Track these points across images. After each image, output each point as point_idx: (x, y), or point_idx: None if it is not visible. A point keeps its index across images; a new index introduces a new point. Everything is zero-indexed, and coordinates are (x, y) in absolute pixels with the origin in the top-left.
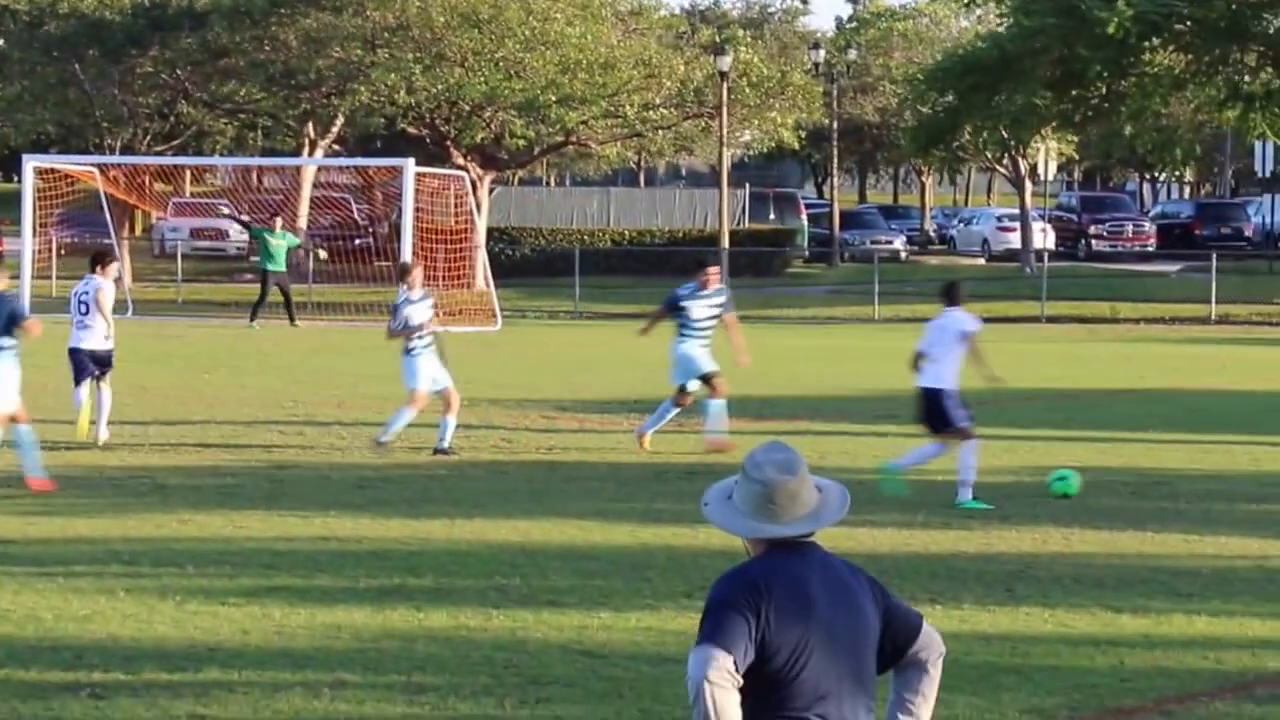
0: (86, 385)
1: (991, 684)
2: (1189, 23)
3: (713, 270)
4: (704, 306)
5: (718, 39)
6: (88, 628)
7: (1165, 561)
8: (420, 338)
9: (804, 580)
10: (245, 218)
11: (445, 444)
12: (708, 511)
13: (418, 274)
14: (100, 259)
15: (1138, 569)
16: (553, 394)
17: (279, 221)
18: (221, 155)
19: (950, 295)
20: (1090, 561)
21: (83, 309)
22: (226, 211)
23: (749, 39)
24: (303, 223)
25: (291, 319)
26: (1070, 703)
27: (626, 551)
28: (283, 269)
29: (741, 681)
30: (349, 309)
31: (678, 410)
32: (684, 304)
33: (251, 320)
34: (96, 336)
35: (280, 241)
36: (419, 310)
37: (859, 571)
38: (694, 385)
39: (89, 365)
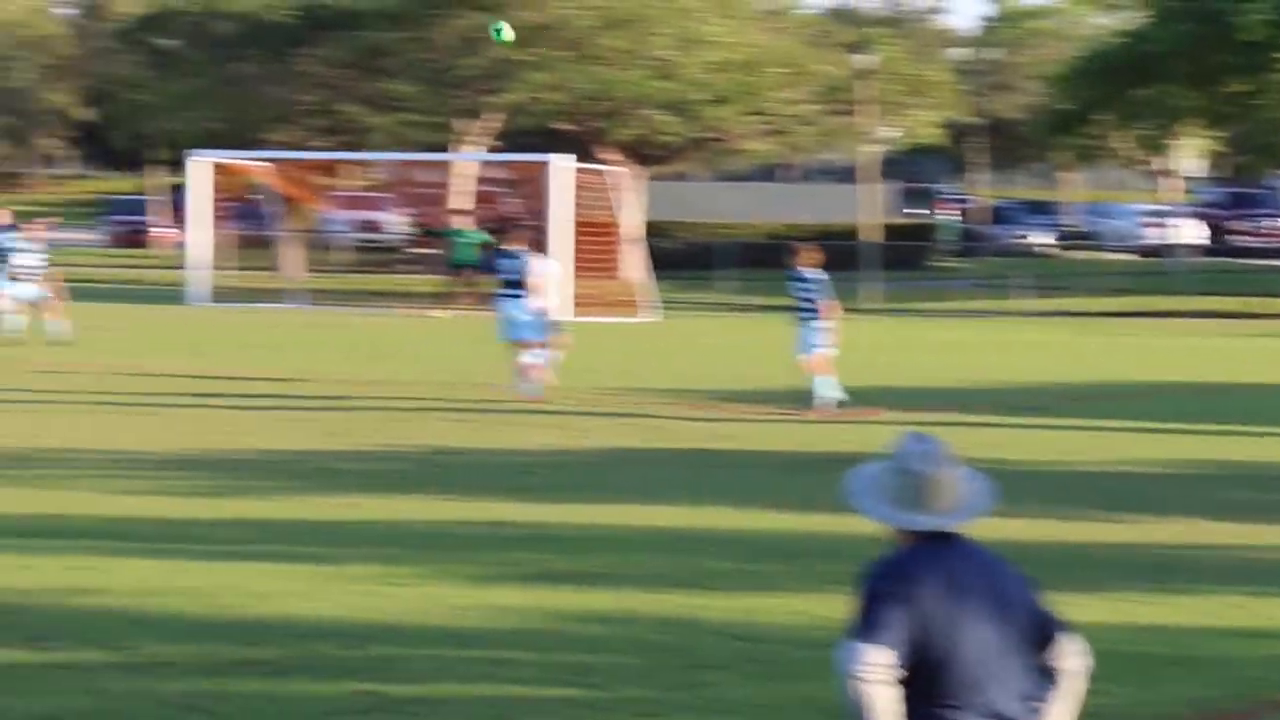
0: None
1: (1152, 675)
2: None
3: (804, 253)
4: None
5: (858, 38)
6: (264, 605)
7: None
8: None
9: (955, 571)
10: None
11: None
12: (855, 499)
13: (806, 256)
14: None
15: None
16: (706, 383)
17: (465, 221)
18: (379, 151)
19: None
20: (1238, 554)
21: None
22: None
23: (888, 37)
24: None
25: (442, 309)
26: (1231, 694)
27: (784, 537)
28: (473, 261)
29: (898, 674)
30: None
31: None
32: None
33: (440, 311)
34: None
35: (469, 240)
36: (821, 287)
37: (1007, 562)
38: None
39: None
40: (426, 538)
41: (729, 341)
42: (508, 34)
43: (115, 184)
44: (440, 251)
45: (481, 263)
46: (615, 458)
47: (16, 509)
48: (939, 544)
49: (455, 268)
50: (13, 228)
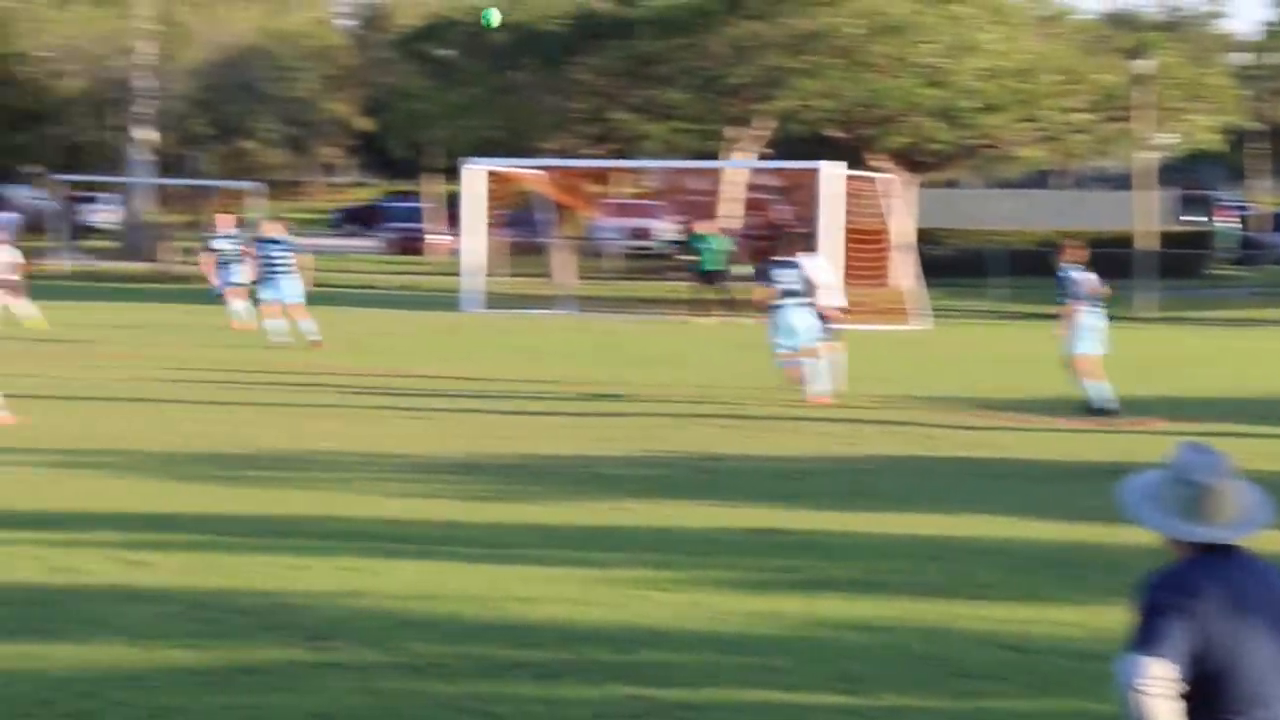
0: None
1: None
2: None
3: (1069, 250)
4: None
5: (1135, 43)
6: (533, 608)
7: None
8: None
9: (1235, 584)
10: (680, 227)
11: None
12: (1133, 510)
13: (1071, 253)
14: None
15: None
16: (976, 391)
17: (711, 226)
18: (651, 158)
19: None
20: None
21: None
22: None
23: (1166, 42)
24: (730, 224)
25: (702, 316)
26: None
27: (1053, 547)
28: (720, 269)
29: (1180, 688)
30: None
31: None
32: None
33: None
34: None
35: (715, 245)
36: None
37: None
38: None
39: None
40: (694, 543)
41: (999, 349)
42: (495, 19)
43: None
44: (690, 259)
45: (728, 270)
46: (884, 465)
47: (292, 511)
48: (1218, 556)
49: (704, 275)
50: (277, 241)
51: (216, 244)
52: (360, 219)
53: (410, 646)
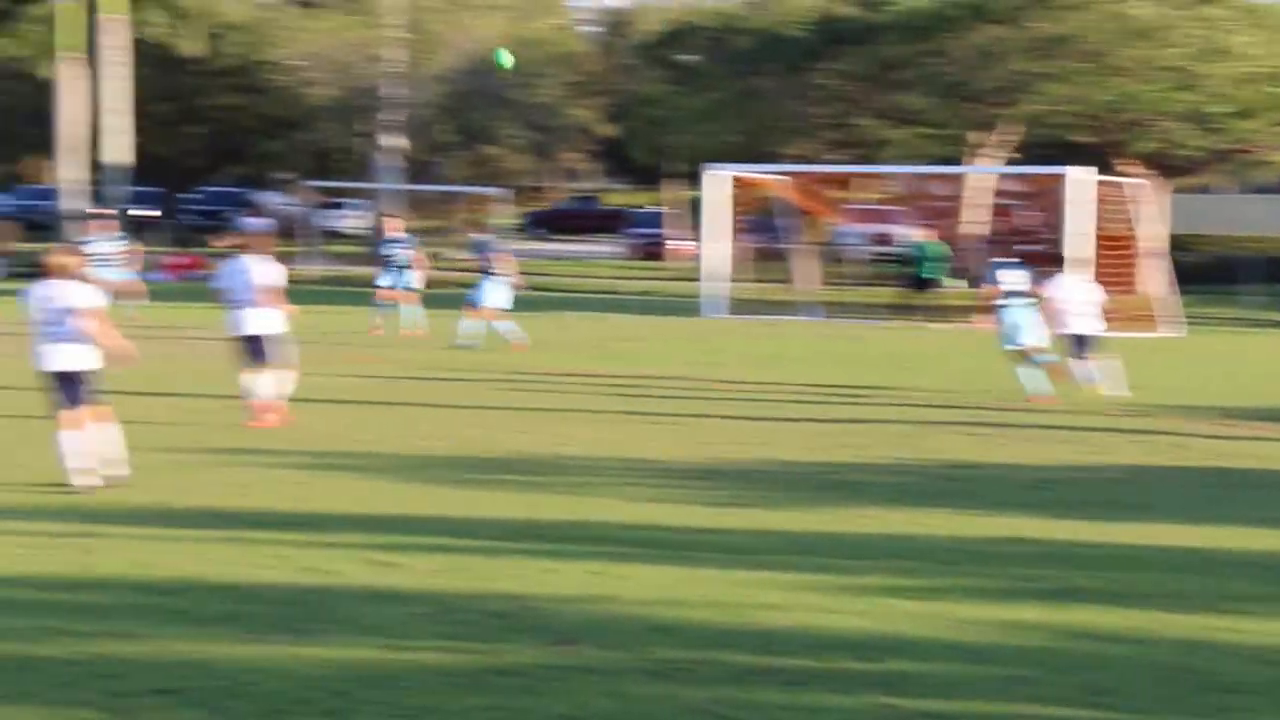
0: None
1: None
2: None
3: None
4: None
5: None
6: (779, 615)
7: None
8: None
9: None
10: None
11: None
12: None
13: None
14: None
15: None
16: (1229, 400)
17: (929, 234)
18: (894, 164)
19: None
20: None
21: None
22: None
23: None
24: (974, 229)
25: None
26: None
27: None
28: (936, 276)
29: None
30: None
31: None
32: None
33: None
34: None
35: (932, 253)
36: None
37: None
38: None
39: None
40: (941, 551)
41: (1253, 358)
42: (506, 60)
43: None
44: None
45: (941, 279)
46: (1135, 474)
47: (540, 514)
48: None
49: (919, 283)
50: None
51: (385, 250)
52: (549, 223)
53: (657, 651)
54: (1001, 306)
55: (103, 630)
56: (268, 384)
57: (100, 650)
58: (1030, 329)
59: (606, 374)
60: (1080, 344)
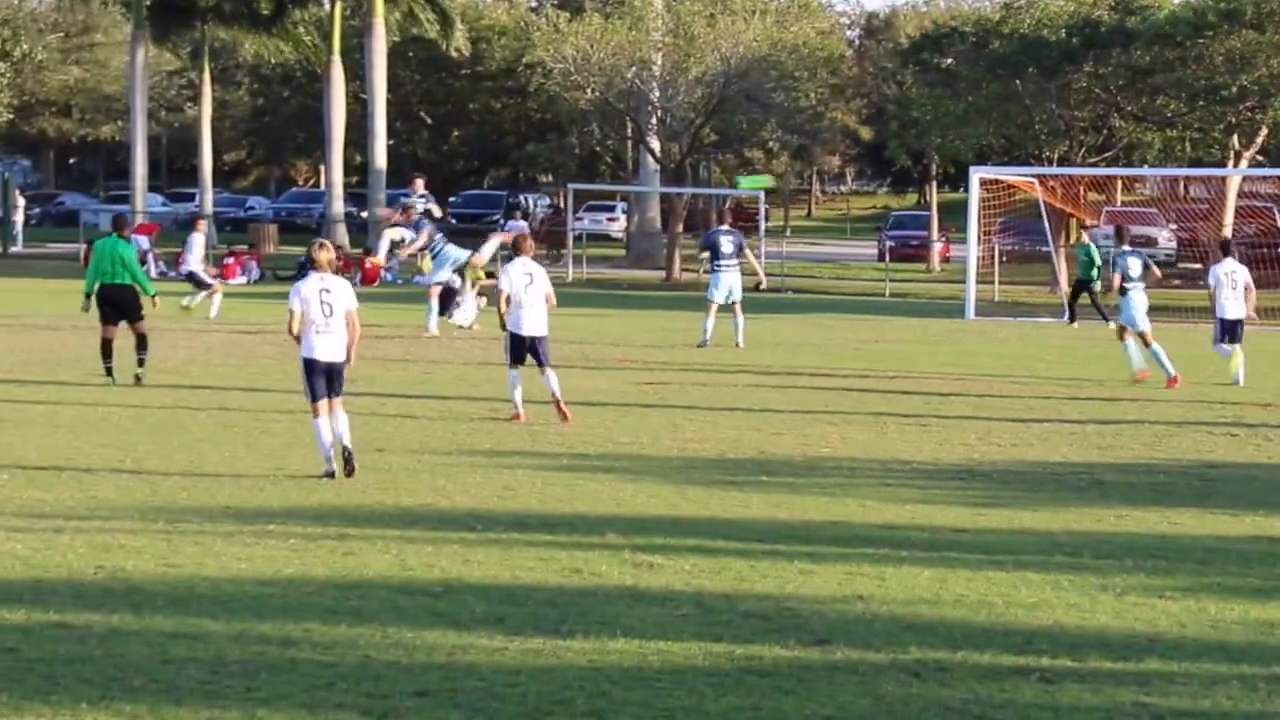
0: None
1: None
2: None
3: None
4: None
5: None
6: (1035, 614)
7: None
8: None
9: None
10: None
11: None
12: None
13: None
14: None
15: None
16: None
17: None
18: (1150, 166)
19: None
20: None
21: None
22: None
23: None
24: (1227, 232)
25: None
26: None
27: None
28: (1088, 277)
29: None
30: (1270, 313)
31: None
32: None
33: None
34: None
35: (1090, 255)
36: None
37: None
38: None
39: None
40: (1193, 551)
41: None
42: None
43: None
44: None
45: (1095, 277)
46: None
47: (797, 515)
48: None
49: (1080, 283)
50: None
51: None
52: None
53: (913, 651)
54: (1125, 292)
55: (363, 632)
56: (554, 382)
57: (361, 652)
58: (1144, 314)
59: (862, 374)
60: (1235, 330)
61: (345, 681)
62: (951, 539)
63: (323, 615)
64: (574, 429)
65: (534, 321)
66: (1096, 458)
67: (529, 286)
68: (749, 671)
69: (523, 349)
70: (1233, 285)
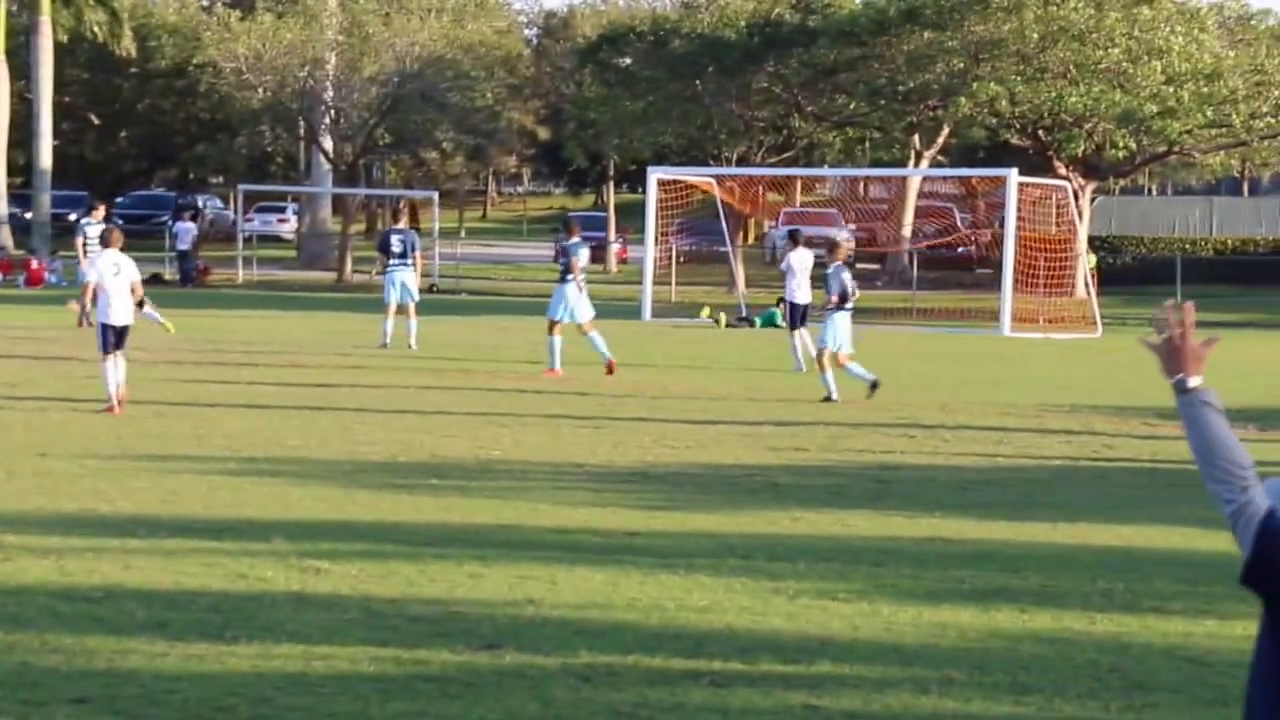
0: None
1: None
2: None
3: None
4: None
5: None
6: (707, 618)
7: None
8: None
9: None
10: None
11: None
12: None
13: None
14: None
15: None
16: (1154, 400)
17: None
18: (830, 166)
19: None
20: None
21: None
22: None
23: None
24: (906, 231)
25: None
26: None
27: (1232, 559)
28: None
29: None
30: (951, 315)
31: None
32: None
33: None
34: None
35: None
36: None
37: None
38: None
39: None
40: (867, 553)
41: None
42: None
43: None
44: None
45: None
46: (1056, 475)
47: (467, 519)
48: None
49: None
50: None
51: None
52: None
53: (583, 655)
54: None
55: (20, 639)
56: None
57: (17, 658)
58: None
59: (536, 379)
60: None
61: (2, 688)
62: (624, 542)
63: None
64: (239, 430)
65: (121, 311)
66: (771, 459)
67: (115, 276)
68: (416, 677)
69: (112, 337)
70: (804, 272)
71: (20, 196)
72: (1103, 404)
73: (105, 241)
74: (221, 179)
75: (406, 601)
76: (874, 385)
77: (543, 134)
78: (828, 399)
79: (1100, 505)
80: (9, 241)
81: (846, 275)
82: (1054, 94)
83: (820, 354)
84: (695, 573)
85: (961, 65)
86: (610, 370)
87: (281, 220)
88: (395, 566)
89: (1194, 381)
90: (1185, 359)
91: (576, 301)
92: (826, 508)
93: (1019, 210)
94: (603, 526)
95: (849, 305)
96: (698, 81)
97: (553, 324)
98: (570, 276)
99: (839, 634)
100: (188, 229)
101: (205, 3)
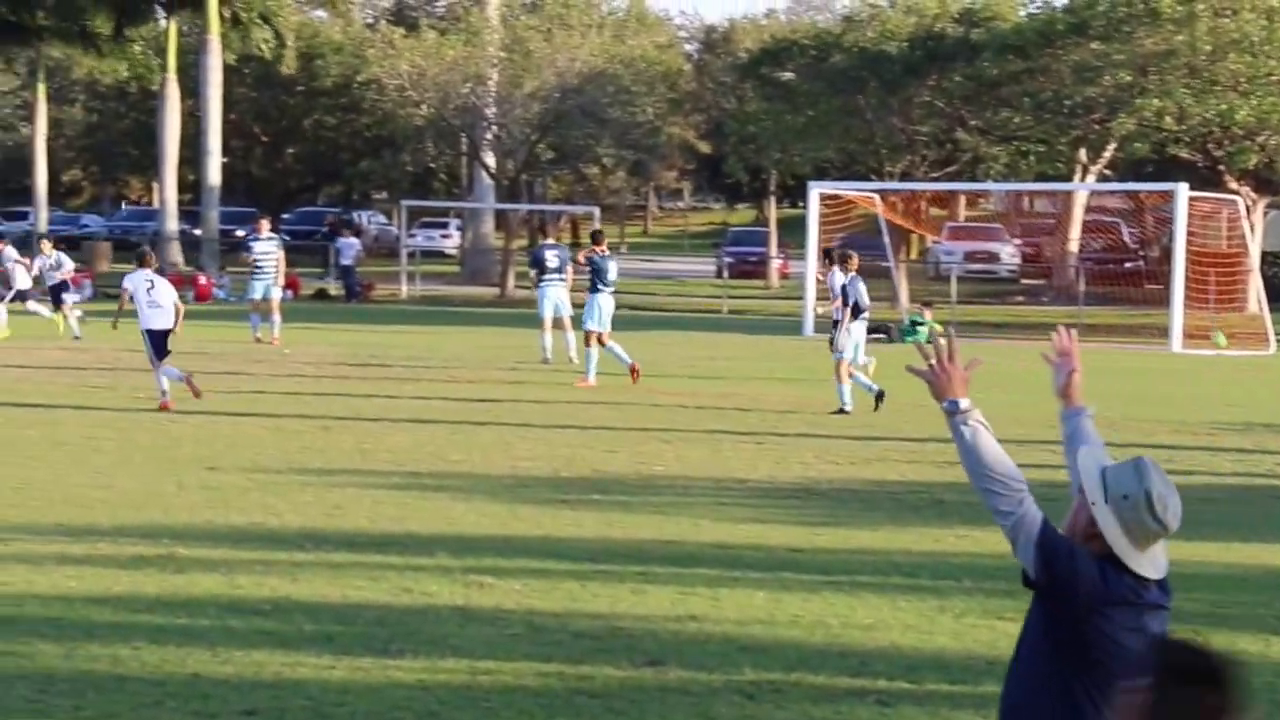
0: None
1: None
2: None
3: None
4: None
5: None
6: (871, 635)
7: None
8: None
9: None
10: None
11: None
12: (1102, 512)
13: None
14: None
15: None
16: None
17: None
18: (994, 181)
19: None
20: None
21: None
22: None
23: None
24: (1073, 246)
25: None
26: None
27: None
28: None
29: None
30: (1119, 331)
31: None
32: None
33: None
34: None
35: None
36: None
37: None
38: None
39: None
40: None
41: None
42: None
43: (733, 215)
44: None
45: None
46: (1227, 495)
47: (630, 535)
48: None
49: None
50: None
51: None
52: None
53: (747, 672)
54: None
55: (191, 651)
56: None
57: (189, 671)
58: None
59: (696, 392)
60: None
61: (174, 700)
62: (787, 558)
63: (151, 634)
64: (403, 445)
65: (159, 318)
66: (936, 476)
67: (150, 290)
68: (579, 692)
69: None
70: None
71: (190, 213)
72: (1276, 422)
73: (141, 261)
74: (385, 195)
75: (570, 617)
76: (880, 397)
77: (703, 149)
78: (841, 410)
79: (1274, 525)
80: (179, 258)
81: (861, 286)
82: (1224, 107)
83: (839, 365)
84: (859, 590)
85: (1129, 78)
86: (582, 385)
87: (445, 236)
88: (559, 581)
89: (965, 403)
90: (953, 383)
91: (606, 311)
92: (992, 525)
93: (1189, 225)
94: (765, 543)
95: (864, 315)
96: (859, 95)
97: (589, 335)
98: (601, 287)
99: (1006, 654)
100: (351, 244)
101: (369, 21)
